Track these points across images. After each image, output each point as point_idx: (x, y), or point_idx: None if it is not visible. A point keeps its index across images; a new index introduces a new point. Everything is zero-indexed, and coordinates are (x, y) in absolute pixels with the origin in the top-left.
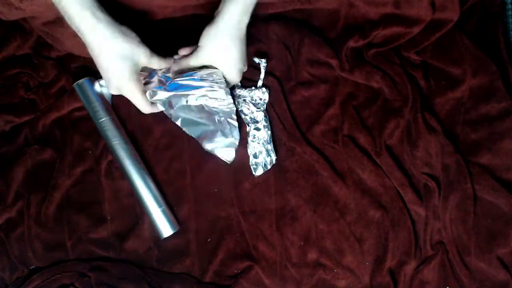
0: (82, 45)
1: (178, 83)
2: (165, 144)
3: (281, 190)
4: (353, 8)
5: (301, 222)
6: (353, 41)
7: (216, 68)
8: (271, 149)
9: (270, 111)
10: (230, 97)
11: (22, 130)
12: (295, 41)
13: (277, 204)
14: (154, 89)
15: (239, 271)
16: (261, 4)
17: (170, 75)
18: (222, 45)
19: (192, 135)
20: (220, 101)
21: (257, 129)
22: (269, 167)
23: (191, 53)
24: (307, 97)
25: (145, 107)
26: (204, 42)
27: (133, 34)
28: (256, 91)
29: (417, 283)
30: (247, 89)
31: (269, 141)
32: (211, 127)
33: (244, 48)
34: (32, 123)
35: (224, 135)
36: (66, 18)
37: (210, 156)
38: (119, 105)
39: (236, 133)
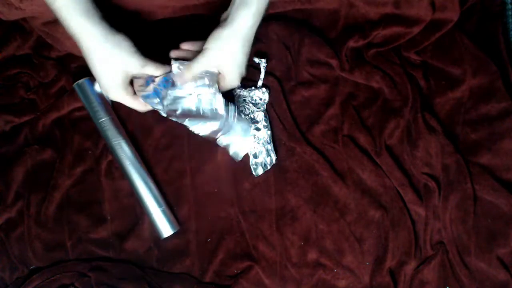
0: None
1: (172, 95)
2: (165, 144)
3: (281, 190)
4: (353, 8)
5: (301, 222)
6: (353, 41)
7: (214, 72)
8: (271, 149)
9: (270, 111)
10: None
11: (22, 130)
12: (295, 41)
13: (277, 204)
14: (149, 99)
15: (239, 271)
16: None
17: (166, 91)
18: (232, 50)
19: (201, 134)
20: (216, 103)
21: (257, 129)
22: (269, 167)
23: (194, 57)
24: (307, 97)
25: (139, 107)
26: (212, 45)
27: (128, 43)
28: (256, 91)
29: (417, 283)
30: (247, 89)
31: (269, 141)
32: (221, 123)
33: (249, 52)
34: (32, 123)
35: (237, 131)
36: (59, 20)
37: (210, 156)
38: (119, 105)
39: (248, 130)
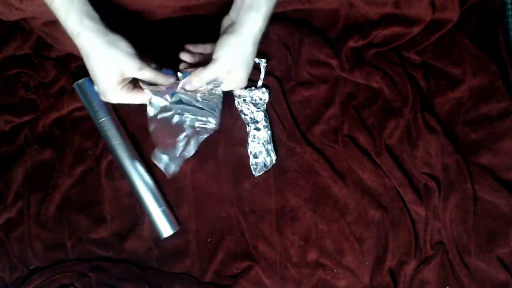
0: None
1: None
2: None
3: (281, 190)
4: (353, 8)
5: (301, 222)
6: (353, 41)
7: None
8: (271, 149)
9: (270, 111)
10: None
11: (22, 130)
12: (295, 41)
13: (277, 204)
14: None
15: (239, 271)
16: None
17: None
18: (243, 56)
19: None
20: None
21: (257, 129)
22: (269, 167)
23: (202, 66)
24: (307, 97)
25: (139, 100)
26: (221, 52)
27: (125, 44)
28: (256, 91)
29: (417, 283)
30: (247, 89)
31: (269, 141)
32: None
33: (256, 53)
34: (32, 123)
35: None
36: (58, 20)
37: (210, 156)
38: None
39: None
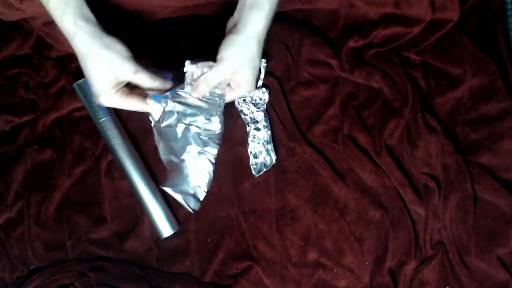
0: None
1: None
2: None
3: (281, 190)
4: (353, 8)
5: (301, 222)
6: (353, 41)
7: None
8: (271, 149)
9: (270, 111)
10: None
11: (22, 130)
12: (295, 41)
13: (277, 204)
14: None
15: (239, 271)
16: None
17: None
18: (248, 56)
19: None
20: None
21: (257, 129)
22: (269, 167)
23: (207, 68)
24: (307, 97)
25: (135, 107)
26: (226, 53)
27: (120, 47)
28: (256, 91)
29: (417, 283)
30: None
31: (269, 141)
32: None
33: (260, 58)
34: (32, 123)
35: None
36: (54, 21)
37: None
38: None
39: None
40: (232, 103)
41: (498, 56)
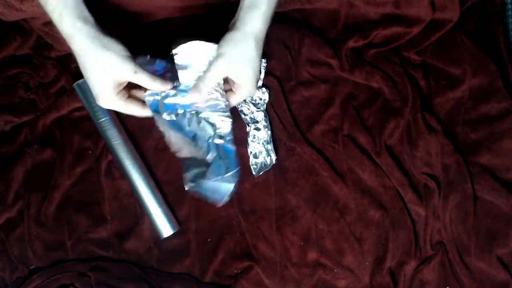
0: None
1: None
2: (165, 144)
3: (281, 190)
4: (353, 8)
5: (301, 222)
6: (353, 41)
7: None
8: (271, 149)
9: (270, 111)
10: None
11: (22, 130)
12: (295, 41)
13: (277, 204)
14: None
15: (239, 271)
16: None
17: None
18: (246, 53)
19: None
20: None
21: (257, 129)
22: (269, 167)
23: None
24: (307, 97)
25: (134, 112)
26: (224, 49)
27: (119, 47)
28: (256, 91)
29: (417, 283)
30: None
31: (269, 141)
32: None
33: (261, 56)
34: (32, 123)
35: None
36: (53, 22)
37: None
38: None
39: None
40: None
41: (498, 56)
